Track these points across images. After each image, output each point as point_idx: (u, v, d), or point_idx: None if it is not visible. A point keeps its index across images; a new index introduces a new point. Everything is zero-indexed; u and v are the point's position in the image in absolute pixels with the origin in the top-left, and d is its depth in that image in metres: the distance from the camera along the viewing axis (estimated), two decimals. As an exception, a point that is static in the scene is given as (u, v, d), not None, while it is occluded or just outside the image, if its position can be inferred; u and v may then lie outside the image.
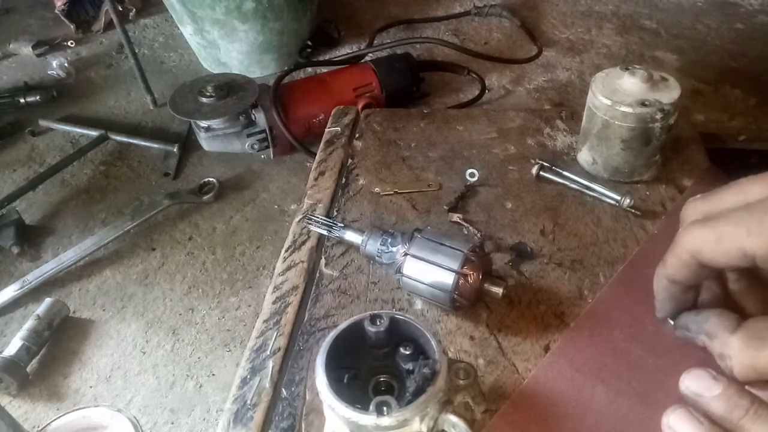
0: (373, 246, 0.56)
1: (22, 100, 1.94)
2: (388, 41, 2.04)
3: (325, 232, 0.61)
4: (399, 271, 0.53)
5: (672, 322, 0.42)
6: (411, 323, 0.40)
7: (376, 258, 0.56)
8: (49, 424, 0.86)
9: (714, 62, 1.97)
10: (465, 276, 0.50)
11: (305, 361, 0.51)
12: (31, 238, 1.52)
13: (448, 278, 0.50)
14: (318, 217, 0.62)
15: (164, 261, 1.46)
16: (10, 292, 1.36)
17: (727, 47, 2.03)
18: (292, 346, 0.53)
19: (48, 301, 1.30)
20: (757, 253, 0.33)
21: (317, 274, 0.59)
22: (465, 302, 0.51)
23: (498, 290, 0.51)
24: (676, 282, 0.39)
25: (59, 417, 0.87)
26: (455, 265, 0.50)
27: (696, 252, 0.36)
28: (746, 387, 0.37)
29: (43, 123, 1.88)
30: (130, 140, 1.80)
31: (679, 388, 0.37)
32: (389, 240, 0.56)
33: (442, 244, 0.51)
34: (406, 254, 0.52)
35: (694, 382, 0.36)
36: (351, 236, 0.59)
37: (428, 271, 0.51)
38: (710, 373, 0.36)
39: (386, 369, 0.41)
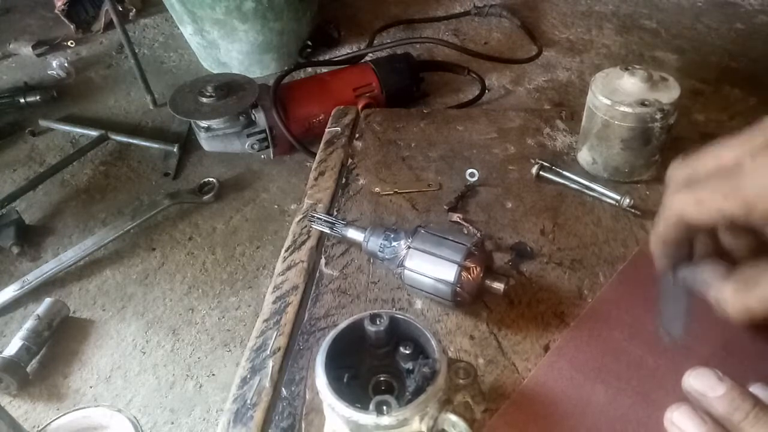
0: (375, 242, 0.56)
1: (22, 100, 1.94)
2: (388, 41, 2.04)
3: (327, 230, 0.61)
4: (401, 264, 0.53)
5: (672, 278, 0.44)
6: (411, 323, 0.40)
7: (378, 253, 0.56)
8: (49, 424, 0.86)
9: (714, 62, 1.97)
10: (468, 269, 0.50)
11: (305, 360, 0.51)
12: (31, 238, 1.52)
13: (450, 270, 0.50)
14: (320, 215, 0.62)
15: (164, 261, 1.46)
16: (10, 292, 1.36)
17: (727, 47, 2.03)
18: (292, 346, 0.53)
19: (48, 301, 1.30)
20: (734, 213, 0.36)
21: (317, 274, 0.59)
22: (467, 296, 0.51)
23: (499, 286, 0.51)
24: (668, 241, 0.42)
25: (59, 417, 0.87)
26: (458, 258, 0.50)
27: (681, 215, 0.39)
28: (750, 389, 0.37)
29: (43, 123, 1.88)
30: (130, 140, 1.80)
31: (680, 386, 0.37)
32: (392, 235, 0.56)
33: (445, 238, 0.51)
34: (409, 247, 0.52)
35: (698, 381, 0.37)
36: (353, 234, 0.59)
37: (431, 263, 0.51)
38: (715, 373, 0.36)
39: (386, 368, 0.41)
